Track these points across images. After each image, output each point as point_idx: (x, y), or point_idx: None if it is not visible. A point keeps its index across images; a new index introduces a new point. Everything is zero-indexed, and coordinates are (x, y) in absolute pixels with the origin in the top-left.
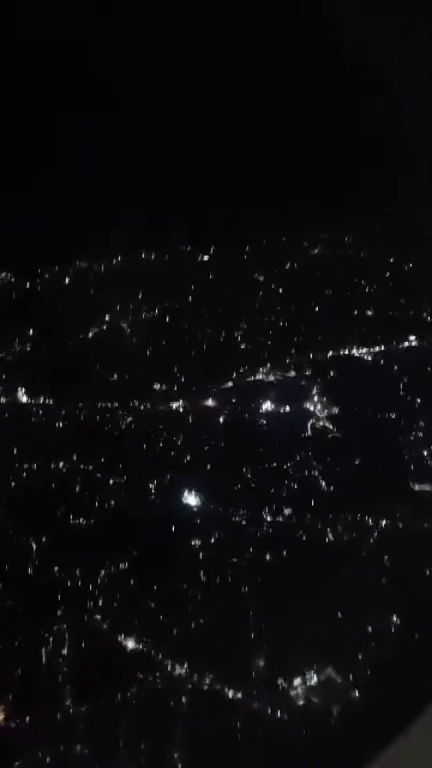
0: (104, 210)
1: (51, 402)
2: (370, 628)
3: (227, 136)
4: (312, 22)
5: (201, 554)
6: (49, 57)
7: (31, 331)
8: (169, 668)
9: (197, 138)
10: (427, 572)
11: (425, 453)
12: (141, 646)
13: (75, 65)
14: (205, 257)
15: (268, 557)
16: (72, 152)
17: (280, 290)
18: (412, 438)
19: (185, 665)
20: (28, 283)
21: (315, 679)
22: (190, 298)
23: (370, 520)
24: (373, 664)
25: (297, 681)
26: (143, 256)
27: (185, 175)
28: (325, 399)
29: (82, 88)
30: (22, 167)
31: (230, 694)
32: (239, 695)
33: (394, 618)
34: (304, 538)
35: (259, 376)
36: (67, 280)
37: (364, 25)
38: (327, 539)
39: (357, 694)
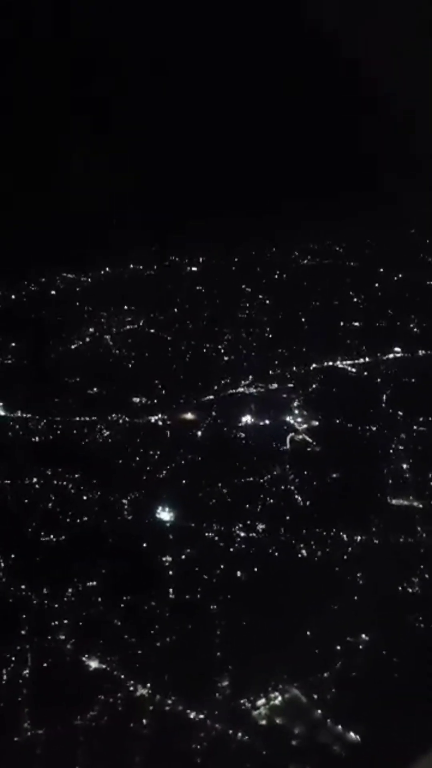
0: (93, 221)
1: (28, 416)
2: (338, 647)
3: (218, 146)
4: (314, 35)
5: (171, 571)
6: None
7: (12, 344)
8: (131, 689)
9: (189, 148)
10: (400, 589)
11: (404, 466)
12: (104, 666)
13: (75, 69)
14: (194, 268)
15: (238, 574)
16: (62, 165)
17: (268, 301)
18: (391, 451)
19: (148, 686)
20: (13, 295)
21: (279, 699)
22: (175, 309)
23: (344, 536)
24: (339, 684)
25: (261, 701)
26: (131, 266)
27: (175, 186)
28: (305, 412)
29: (77, 100)
30: (11, 180)
31: (192, 715)
32: (201, 716)
33: (364, 636)
34: (276, 555)
35: (240, 389)
36: (53, 292)
37: (368, 40)
38: (300, 555)
39: (320, 714)
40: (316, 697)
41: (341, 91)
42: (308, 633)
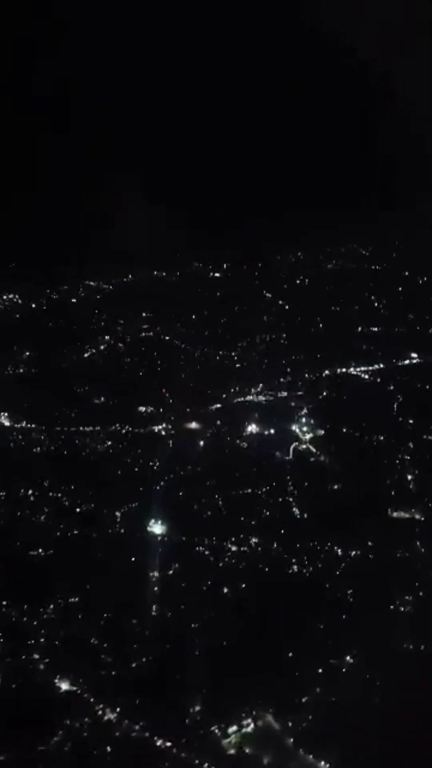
0: (116, 229)
1: (32, 426)
2: (320, 670)
3: (242, 152)
4: (332, 44)
5: (156, 587)
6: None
7: (27, 354)
8: (99, 713)
9: (212, 155)
10: (392, 608)
11: (409, 477)
12: (75, 688)
13: (76, 73)
14: (217, 274)
15: (225, 590)
16: (86, 176)
17: (287, 307)
18: (397, 461)
19: (117, 710)
20: (33, 304)
21: (252, 726)
22: (193, 316)
23: (339, 551)
24: (316, 710)
25: (232, 728)
26: (155, 273)
27: (199, 193)
28: (313, 421)
29: (89, 106)
30: (38, 191)
31: (159, 742)
32: (168, 744)
33: (348, 658)
34: (266, 570)
35: (249, 397)
36: (74, 300)
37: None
38: (291, 571)
39: (292, 743)
40: (290, 724)
41: (364, 98)
42: (290, 654)
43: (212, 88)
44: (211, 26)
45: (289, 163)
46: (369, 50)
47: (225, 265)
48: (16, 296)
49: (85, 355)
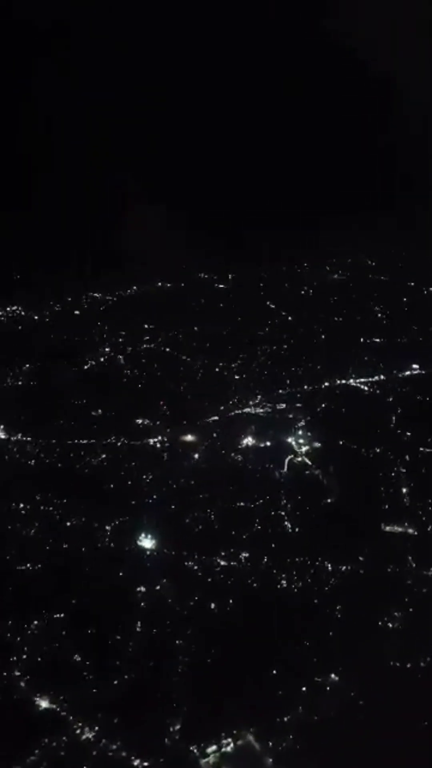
0: (122, 240)
1: (28, 439)
2: (304, 688)
3: (251, 163)
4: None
5: (143, 603)
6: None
7: (26, 365)
8: (77, 731)
9: (219, 166)
10: (380, 624)
11: (404, 491)
12: (55, 706)
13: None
14: (221, 285)
15: (212, 606)
16: (87, 181)
17: (290, 318)
18: (393, 474)
19: (95, 729)
20: (36, 316)
21: (231, 745)
22: (195, 327)
23: (329, 566)
24: (298, 730)
25: (211, 748)
26: (159, 284)
27: (206, 205)
28: (310, 433)
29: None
30: (34, 199)
31: (136, 762)
32: (146, 764)
33: (333, 676)
34: (254, 586)
35: (247, 409)
36: (77, 312)
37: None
38: (279, 586)
39: (272, 763)
40: (270, 744)
41: (372, 108)
42: (274, 672)
43: (216, 100)
44: (211, 28)
45: (297, 174)
46: (369, 51)
47: (230, 276)
48: (19, 308)
49: (85, 367)
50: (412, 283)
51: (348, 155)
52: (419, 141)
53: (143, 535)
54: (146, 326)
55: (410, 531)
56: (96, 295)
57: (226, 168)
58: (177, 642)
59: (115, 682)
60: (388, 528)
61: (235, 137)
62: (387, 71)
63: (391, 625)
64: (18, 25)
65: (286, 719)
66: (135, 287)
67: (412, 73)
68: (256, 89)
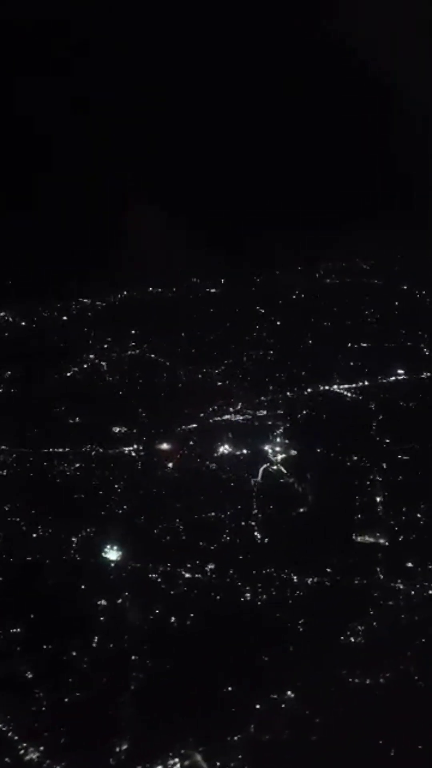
0: (115, 246)
1: (3, 448)
2: (258, 705)
3: (247, 164)
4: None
5: (102, 617)
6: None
7: (8, 373)
8: (21, 752)
9: (216, 167)
10: (342, 638)
11: (378, 499)
12: (2, 726)
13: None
14: (213, 290)
15: (172, 620)
16: (80, 186)
17: (279, 323)
18: (368, 482)
19: (40, 749)
20: (23, 322)
21: (178, 765)
22: (183, 333)
23: (295, 578)
24: (249, 749)
25: None
26: (150, 290)
27: (201, 208)
28: (288, 441)
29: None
30: (25, 205)
31: None
32: None
33: (290, 693)
34: (218, 598)
35: (227, 416)
36: (65, 318)
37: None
38: (243, 599)
39: None
40: (219, 764)
41: (372, 110)
42: (230, 688)
43: (212, 104)
44: (211, 28)
45: (295, 176)
46: (369, 52)
47: (222, 281)
48: (8, 315)
49: (68, 374)
50: (405, 287)
51: (347, 157)
52: (419, 142)
53: (109, 546)
54: (133, 332)
55: (381, 541)
56: (86, 300)
57: (222, 170)
58: (132, 658)
59: (66, 700)
60: (359, 538)
61: (230, 139)
62: (386, 73)
63: (353, 640)
64: (17, 24)
65: (237, 738)
66: (125, 292)
67: (412, 76)
68: (253, 91)
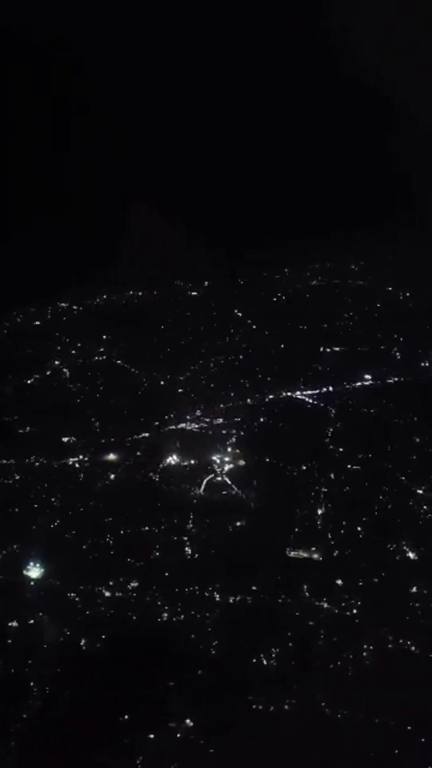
0: (97, 246)
1: None
2: (152, 735)
3: (241, 167)
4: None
5: (10, 640)
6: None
7: None
8: None
9: (210, 169)
10: (254, 661)
11: (319, 512)
12: None
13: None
14: (194, 293)
15: (82, 643)
16: (66, 189)
17: (254, 326)
18: (312, 494)
19: None
20: None
21: None
22: (155, 338)
23: (217, 596)
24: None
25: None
26: (130, 293)
27: (189, 210)
28: (238, 450)
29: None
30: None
31: None
32: None
33: (188, 721)
34: (134, 618)
35: (182, 425)
36: (37, 323)
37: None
38: (159, 619)
39: None
40: None
41: (367, 111)
42: (126, 717)
43: (209, 105)
44: (212, 29)
45: (288, 178)
46: (369, 52)
47: (206, 283)
48: None
49: (29, 381)
50: (390, 288)
51: (347, 159)
52: (420, 143)
53: (32, 564)
54: (105, 337)
55: (315, 557)
56: (63, 305)
57: (217, 173)
58: (31, 684)
59: None
60: (292, 553)
61: (227, 141)
62: (384, 77)
63: (265, 663)
64: (17, 29)
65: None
66: (105, 296)
67: (408, 77)
68: (246, 94)
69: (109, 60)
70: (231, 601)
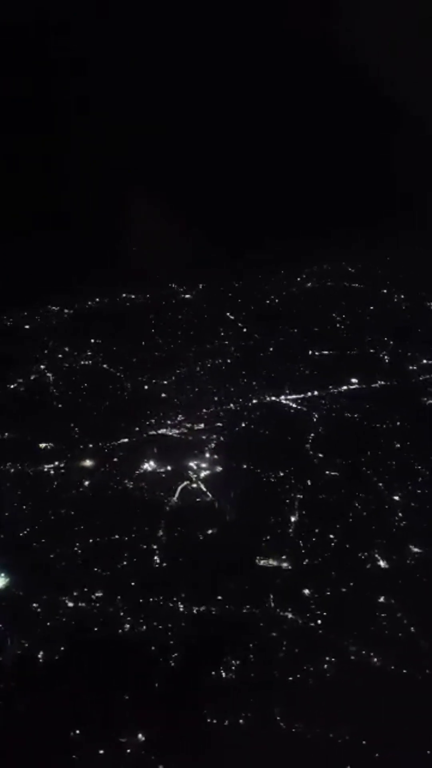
0: (91, 249)
1: None
2: (102, 751)
3: (227, 169)
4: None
5: None
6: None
7: None
8: None
9: (198, 170)
10: (213, 674)
11: (293, 519)
12: None
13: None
14: (187, 296)
15: (39, 655)
16: (60, 191)
17: (245, 330)
18: (287, 501)
19: None
20: None
21: None
22: (143, 342)
23: (181, 607)
24: None
25: None
26: (123, 296)
27: (186, 212)
28: (216, 456)
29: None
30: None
31: None
32: None
33: (140, 736)
34: (95, 630)
35: (162, 430)
36: (27, 326)
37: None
38: (121, 630)
39: None
40: None
41: (367, 111)
42: (77, 732)
43: (207, 107)
44: (212, 30)
45: (287, 181)
46: (370, 54)
47: (201, 286)
48: None
49: (11, 386)
50: (384, 291)
51: (347, 161)
52: (420, 143)
53: None
54: (93, 341)
55: (284, 566)
56: (54, 308)
57: (217, 173)
58: None
59: None
60: (262, 562)
61: (225, 143)
62: (385, 78)
63: (224, 675)
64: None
65: None
66: (98, 299)
67: (411, 79)
68: (243, 95)
69: (110, 59)
70: (195, 611)
